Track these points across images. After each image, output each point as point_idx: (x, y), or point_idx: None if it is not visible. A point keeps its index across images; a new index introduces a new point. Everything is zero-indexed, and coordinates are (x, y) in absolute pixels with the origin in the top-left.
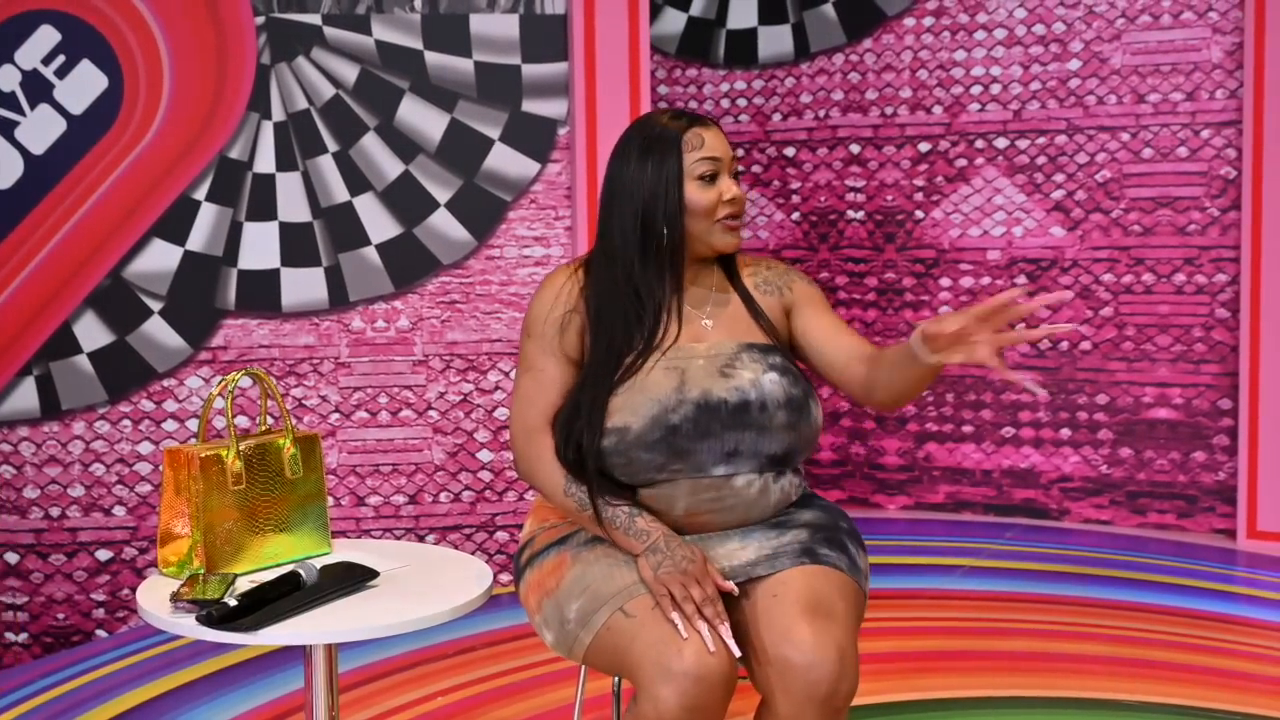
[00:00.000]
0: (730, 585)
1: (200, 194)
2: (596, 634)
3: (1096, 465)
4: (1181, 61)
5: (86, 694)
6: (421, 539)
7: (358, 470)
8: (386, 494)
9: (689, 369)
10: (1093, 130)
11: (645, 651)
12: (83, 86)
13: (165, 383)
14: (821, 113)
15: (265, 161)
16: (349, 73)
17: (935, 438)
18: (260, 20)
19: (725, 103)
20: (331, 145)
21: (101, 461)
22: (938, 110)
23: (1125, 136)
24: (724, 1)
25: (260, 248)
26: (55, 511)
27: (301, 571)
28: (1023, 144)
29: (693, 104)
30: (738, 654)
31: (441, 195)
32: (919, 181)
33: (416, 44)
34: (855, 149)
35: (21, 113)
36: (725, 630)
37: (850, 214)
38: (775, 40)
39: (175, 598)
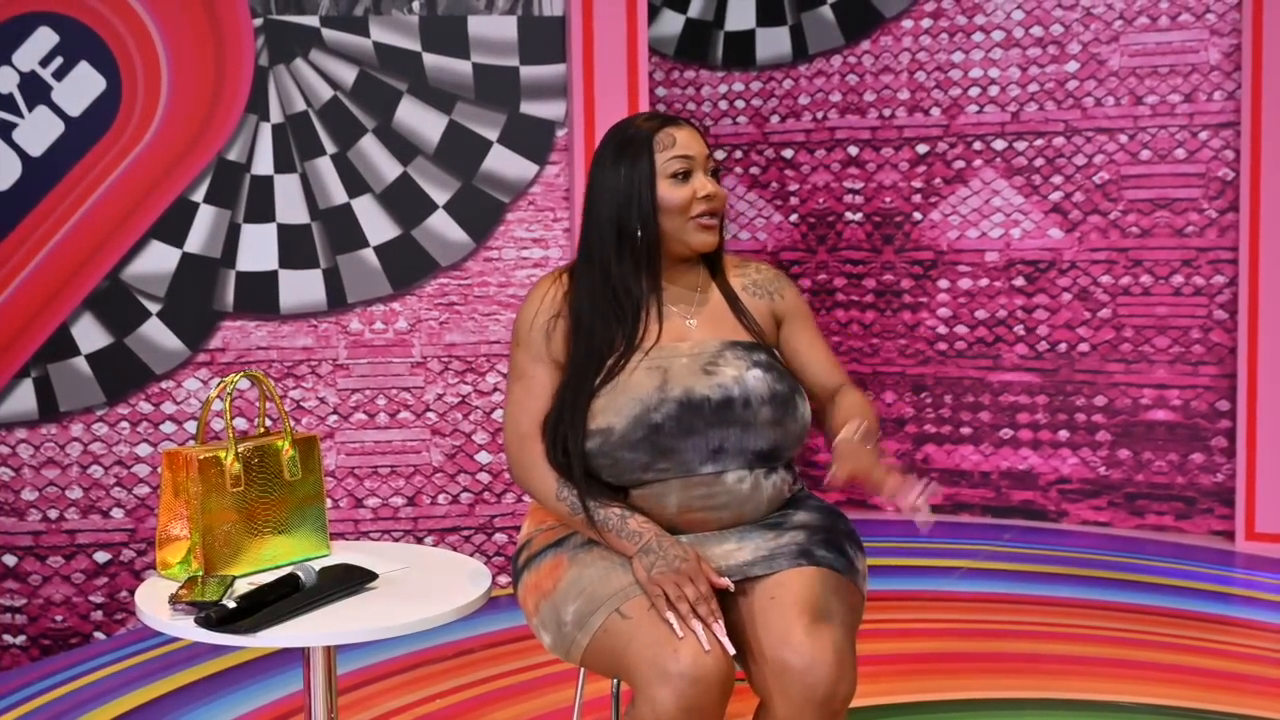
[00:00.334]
0: (725, 581)
1: (198, 196)
2: (593, 636)
3: (1095, 467)
4: (1179, 63)
5: (85, 696)
6: (420, 541)
7: (356, 472)
8: (385, 496)
9: (671, 368)
10: (1091, 132)
11: (642, 653)
12: (81, 88)
13: (163, 384)
14: (820, 114)
15: (263, 163)
16: (347, 74)
17: (933, 439)
18: (258, 22)
19: (723, 104)
20: (330, 147)
21: (100, 463)
22: (936, 112)
23: (1123, 138)
24: (722, 3)
25: (258, 249)
26: (53, 514)
27: (300, 573)
28: (1021, 145)
29: (691, 105)
30: (732, 652)
31: (440, 197)
32: (917, 183)
33: (414, 46)
34: (853, 151)
35: (19, 114)
36: (719, 629)
37: (848, 215)
38: (773, 42)
39: (174, 600)
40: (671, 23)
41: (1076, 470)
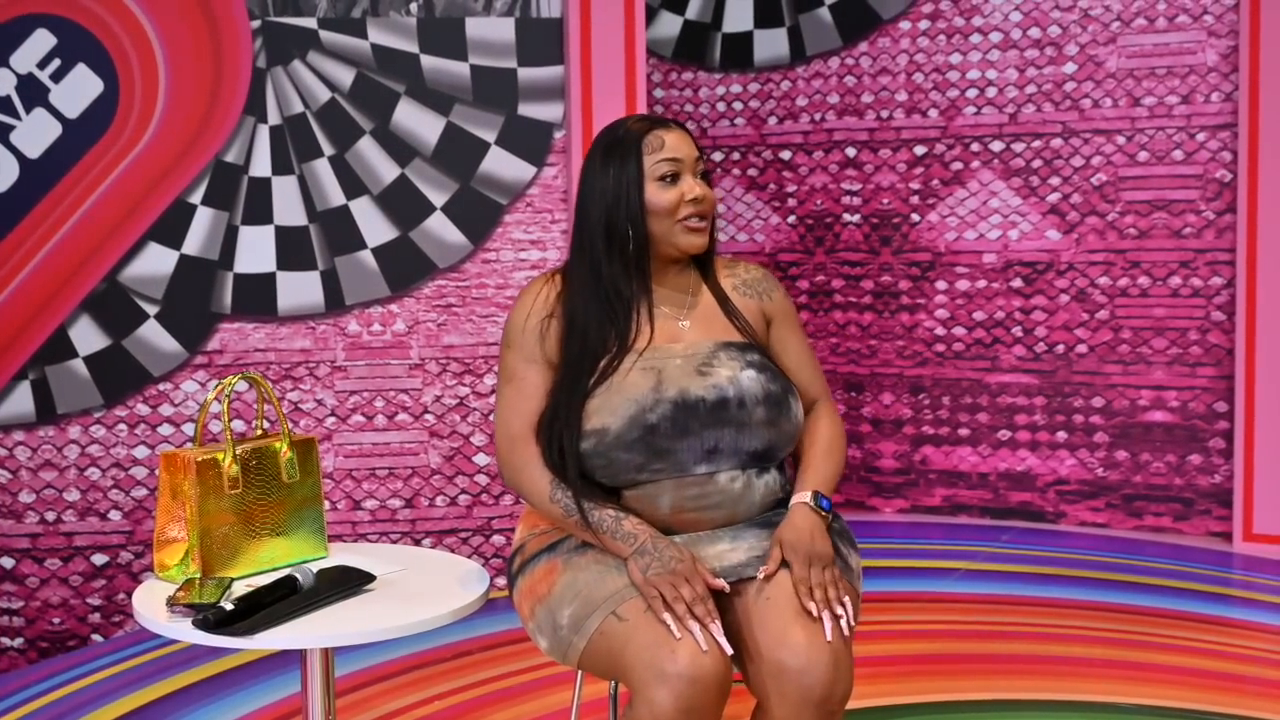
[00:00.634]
0: (721, 583)
1: (196, 198)
2: (590, 639)
3: (1093, 468)
4: (1177, 65)
5: (82, 699)
6: (418, 543)
7: (354, 474)
8: (383, 498)
9: (666, 369)
10: (1088, 133)
11: (639, 655)
12: (78, 90)
13: (161, 387)
14: (817, 116)
15: (261, 165)
16: (345, 76)
17: (931, 441)
18: (256, 24)
19: (721, 106)
20: (327, 149)
21: (97, 466)
22: (933, 113)
23: (1121, 140)
24: (720, 5)
25: (256, 251)
26: (51, 516)
27: (298, 575)
28: (1018, 147)
29: (688, 107)
30: (729, 652)
31: (438, 199)
32: (915, 184)
33: (412, 48)
34: (851, 152)
35: (17, 117)
36: (716, 629)
37: (846, 217)
38: (771, 44)
39: (171, 602)
40: (669, 24)
41: (1074, 471)
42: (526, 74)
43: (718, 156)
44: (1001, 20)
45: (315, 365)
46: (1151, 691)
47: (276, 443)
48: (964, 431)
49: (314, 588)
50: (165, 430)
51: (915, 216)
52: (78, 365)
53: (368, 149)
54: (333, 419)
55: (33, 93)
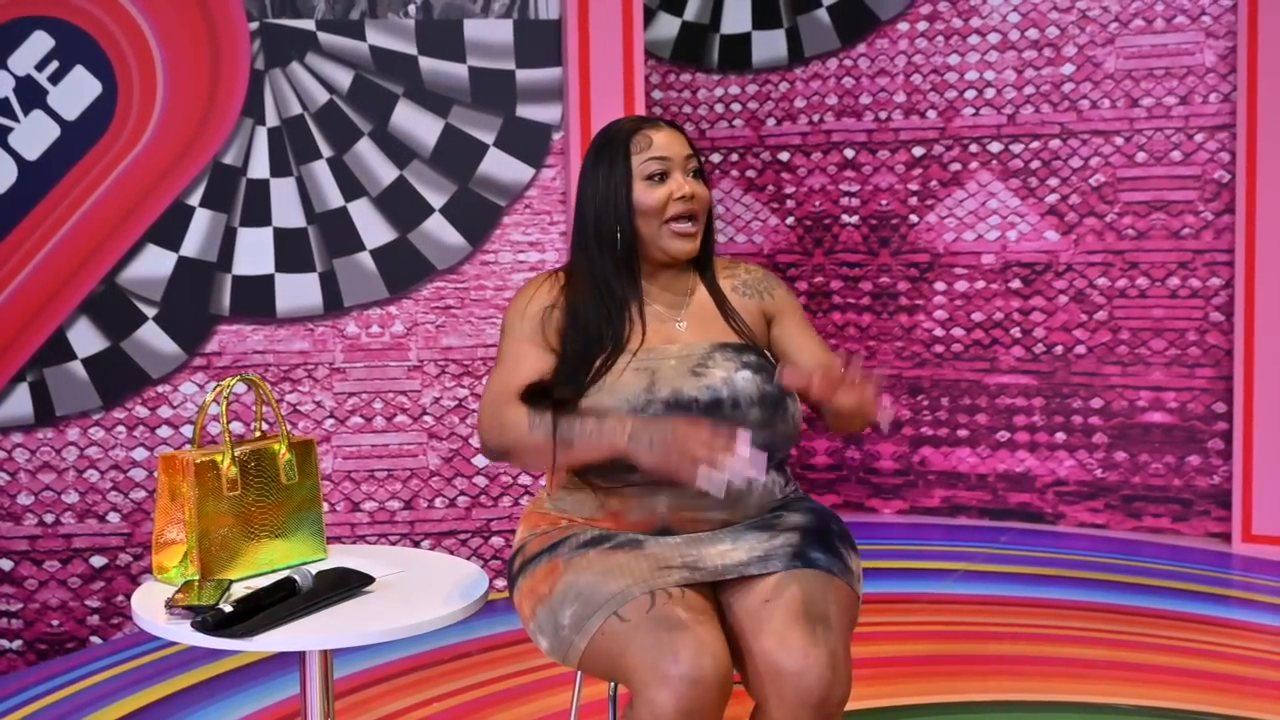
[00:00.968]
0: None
1: (194, 200)
2: (591, 639)
3: (1091, 469)
4: (1175, 65)
5: (81, 701)
6: (417, 544)
7: (353, 476)
8: (381, 499)
9: (660, 369)
10: (1086, 134)
11: (640, 655)
12: (76, 92)
13: (160, 389)
14: (816, 117)
15: (259, 167)
16: (343, 78)
17: (930, 442)
18: (254, 26)
19: (719, 107)
20: (326, 151)
21: (96, 468)
22: (932, 115)
23: (1119, 140)
24: (718, 6)
25: (255, 253)
26: (49, 518)
27: (297, 577)
28: (1017, 148)
29: (687, 109)
30: (762, 476)
31: (436, 200)
32: (913, 186)
33: (411, 49)
34: (849, 153)
35: (15, 119)
36: (745, 435)
37: (844, 218)
38: (769, 45)
39: (170, 604)
40: (667, 26)
41: (1073, 472)
42: (525, 76)
43: (716, 158)
44: (1000, 21)
45: (314, 367)
46: (1150, 692)
47: (275, 444)
48: (963, 432)
49: (313, 590)
50: (164, 432)
51: (914, 218)
52: (76, 367)
53: (366, 151)
54: (331, 421)
55: (31, 95)
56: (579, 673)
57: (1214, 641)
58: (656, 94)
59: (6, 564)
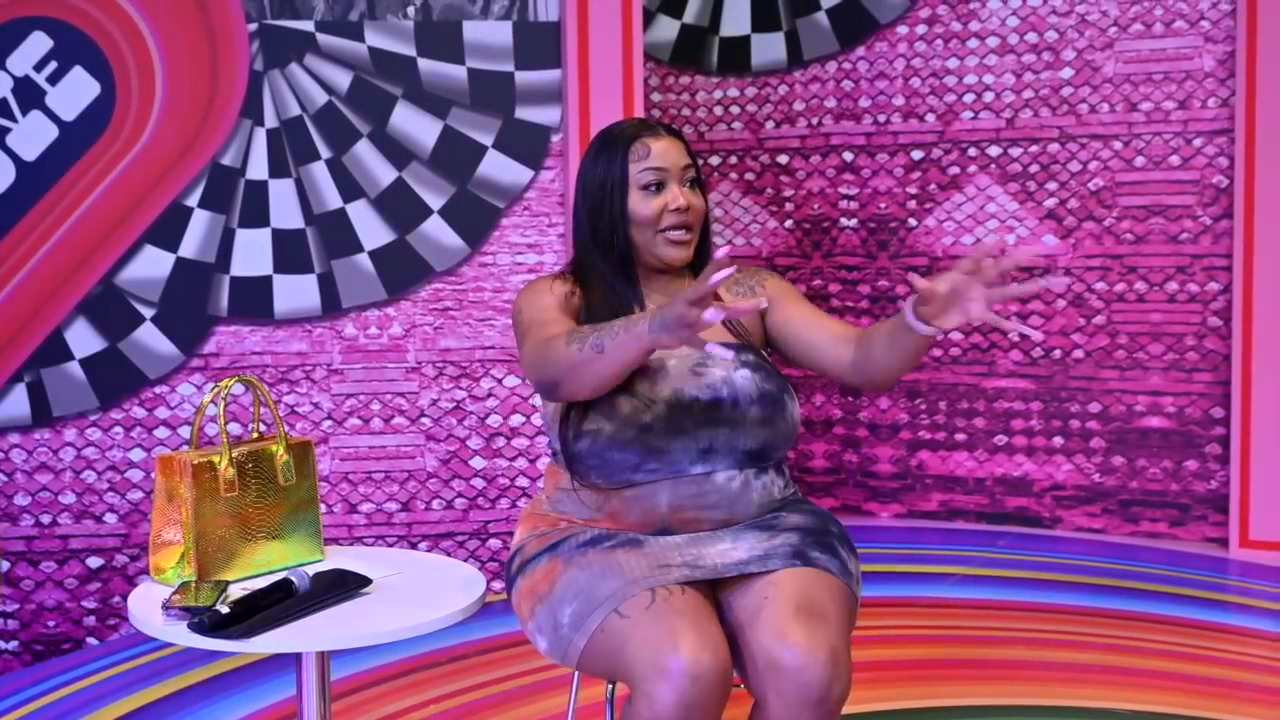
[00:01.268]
0: (761, 302)
1: (193, 200)
2: (591, 637)
3: (1089, 474)
4: (1174, 70)
5: (77, 702)
6: (414, 546)
7: (350, 477)
8: (379, 501)
9: (660, 369)
10: (1085, 138)
11: (640, 651)
12: (75, 93)
13: (157, 389)
14: (815, 120)
15: (258, 168)
16: (342, 79)
17: (928, 446)
18: (253, 27)
19: (718, 110)
20: (324, 152)
21: (93, 468)
22: (931, 118)
23: (1118, 145)
24: (717, 9)
25: (253, 254)
26: (46, 519)
27: (294, 579)
28: (1015, 152)
29: (686, 111)
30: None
31: (434, 202)
32: (912, 189)
33: (409, 51)
34: (848, 157)
35: (13, 119)
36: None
37: (843, 222)
38: (768, 48)
39: (167, 605)
40: (667, 28)
41: (1071, 477)
42: (524, 77)
43: (715, 160)
44: (999, 25)
45: (312, 368)
46: (1147, 697)
47: (273, 446)
48: (960, 436)
49: (310, 591)
50: (161, 433)
51: (912, 221)
52: (73, 368)
53: (365, 152)
54: (329, 422)
55: (29, 95)
56: (576, 674)
57: (1211, 647)
58: (655, 96)
59: (3, 564)
